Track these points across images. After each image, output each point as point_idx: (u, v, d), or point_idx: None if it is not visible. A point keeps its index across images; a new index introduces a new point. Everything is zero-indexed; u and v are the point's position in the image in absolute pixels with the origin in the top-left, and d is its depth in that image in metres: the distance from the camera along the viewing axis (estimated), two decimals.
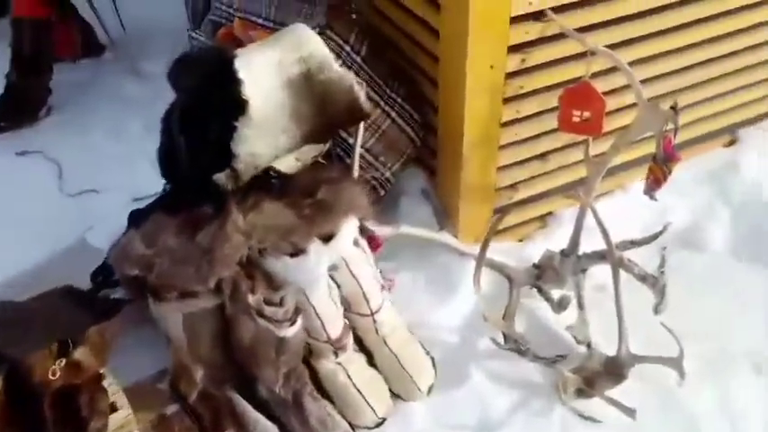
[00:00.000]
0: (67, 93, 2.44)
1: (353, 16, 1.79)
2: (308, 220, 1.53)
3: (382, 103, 1.82)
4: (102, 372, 1.48)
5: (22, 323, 1.42)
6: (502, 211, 1.77)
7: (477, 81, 1.63)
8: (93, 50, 2.61)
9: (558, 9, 1.63)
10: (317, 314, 1.56)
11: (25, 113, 2.31)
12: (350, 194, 1.60)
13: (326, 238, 1.55)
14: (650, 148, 1.60)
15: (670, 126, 1.51)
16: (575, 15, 1.65)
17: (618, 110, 1.80)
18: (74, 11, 2.52)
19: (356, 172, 1.74)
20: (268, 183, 1.57)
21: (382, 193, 1.87)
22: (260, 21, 1.79)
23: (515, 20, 1.60)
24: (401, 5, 1.78)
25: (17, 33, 2.29)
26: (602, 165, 1.66)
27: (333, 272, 1.59)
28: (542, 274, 1.74)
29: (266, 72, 1.54)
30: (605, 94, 1.65)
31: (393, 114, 1.84)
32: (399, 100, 1.85)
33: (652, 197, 1.62)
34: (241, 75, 1.50)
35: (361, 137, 1.73)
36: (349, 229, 1.59)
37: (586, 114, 1.62)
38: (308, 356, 1.62)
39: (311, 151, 1.63)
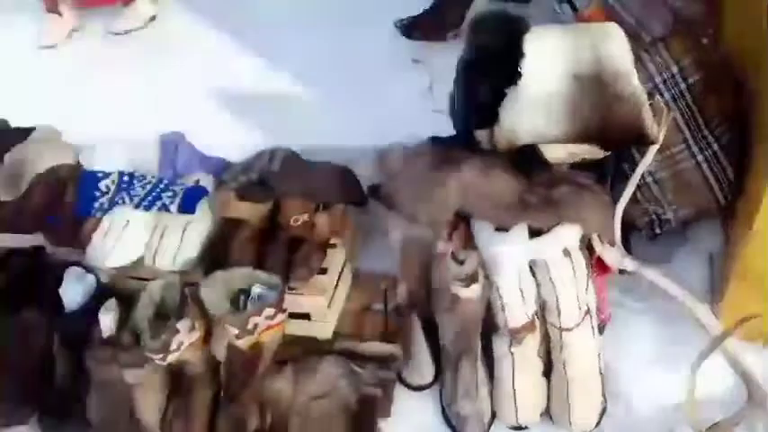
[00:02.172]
0: None
1: (704, 41, 1.52)
2: (528, 206, 1.49)
3: (691, 141, 1.55)
4: (333, 242, 1.77)
5: (302, 175, 1.79)
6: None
7: None
8: None
9: None
10: (499, 295, 1.54)
11: (438, 30, 2.55)
12: (587, 206, 1.48)
13: (536, 232, 1.50)
14: None
15: None
16: None
17: None
18: None
19: (628, 194, 1.55)
20: (524, 155, 1.55)
21: (657, 231, 1.62)
22: (622, 12, 1.68)
23: None
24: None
25: None
26: None
27: (534, 267, 1.53)
28: None
29: (555, 56, 1.49)
30: None
31: (699, 158, 1.55)
32: (715, 146, 1.54)
33: None
34: (527, 48, 1.49)
35: (648, 161, 1.53)
36: (564, 235, 1.48)
37: None
38: (493, 330, 1.62)
39: (585, 152, 1.54)
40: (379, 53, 2.63)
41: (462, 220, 1.55)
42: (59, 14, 2.80)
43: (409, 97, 2.40)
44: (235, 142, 2.18)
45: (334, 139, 2.13)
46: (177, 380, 1.61)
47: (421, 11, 2.60)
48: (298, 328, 1.70)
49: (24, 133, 1.93)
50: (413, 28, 2.59)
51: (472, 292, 1.53)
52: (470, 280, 1.52)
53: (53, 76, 2.69)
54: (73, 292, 1.62)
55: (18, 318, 1.66)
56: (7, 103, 2.12)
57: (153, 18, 2.90)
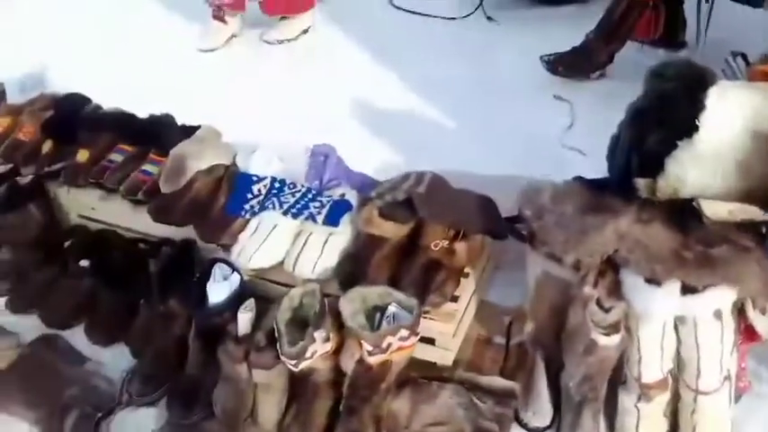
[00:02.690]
0: (620, 68, 2.52)
1: None
2: (684, 262, 1.43)
3: None
4: (467, 270, 1.76)
5: (447, 201, 1.79)
6: None
7: None
8: (672, 44, 2.55)
9: None
10: (638, 347, 1.49)
11: (582, 68, 2.51)
12: (747, 269, 1.40)
13: (689, 290, 1.43)
14: None
15: None
16: None
17: None
18: None
19: None
20: (683, 209, 1.50)
21: None
22: None
23: None
24: None
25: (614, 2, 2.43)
26: None
27: (679, 324, 1.47)
28: None
29: (738, 112, 1.43)
30: None
31: None
32: None
33: None
34: (709, 101, 1.44)
35: None
36: (718, 296, 1.41)
37: None
38: (620, 381, 1.57)
39: (746, 213, 1.46)
40: (523, 85, 2.61)
41: (611, 267, 1.50)
42: (224, 22, 2.94)
43: (548, 133, 2.37)
44: (377, 159, 2.22)
45: (472, 167, 2.13)
46: (301, 385, 1.64)
47: (569, 48, 2.56)
48: (419, 351, 1.70)
49: (189, 131, 2.02)
50: (558, 64, 2.57)
51: (612, 341, 1.48)
52: (613, 329, 1.48)
53: (209, 78, 2.82)
54: (219, 287, 1.68)
55: (165, 305, 1.73)
56: (168, 100, 2.23)
57: (306, 31, 3.00)
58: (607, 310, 1.49)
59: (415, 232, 1.76)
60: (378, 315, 1.59)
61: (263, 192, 1.88)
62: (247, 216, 1.85)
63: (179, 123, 2.12)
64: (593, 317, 1.50)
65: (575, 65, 2.57)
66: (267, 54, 3.03)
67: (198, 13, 3.07)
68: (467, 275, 1.75)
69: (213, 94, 2.66)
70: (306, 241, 1.80)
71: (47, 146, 2.12)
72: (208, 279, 1.71)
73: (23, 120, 2.19)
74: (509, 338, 1.75)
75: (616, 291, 1.50)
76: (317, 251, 1.78)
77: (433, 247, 1.73)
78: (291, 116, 2.51)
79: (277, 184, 1.89)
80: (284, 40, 3.03)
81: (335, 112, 2.53)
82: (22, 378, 1.77)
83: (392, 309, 1.57)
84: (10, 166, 2.11)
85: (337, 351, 1.62)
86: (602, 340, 1.48)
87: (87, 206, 2.08)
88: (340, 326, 1.62)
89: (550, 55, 2.59)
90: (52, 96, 2.27)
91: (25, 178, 2.07)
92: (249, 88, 2.74)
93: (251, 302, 1.68)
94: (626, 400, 1.52)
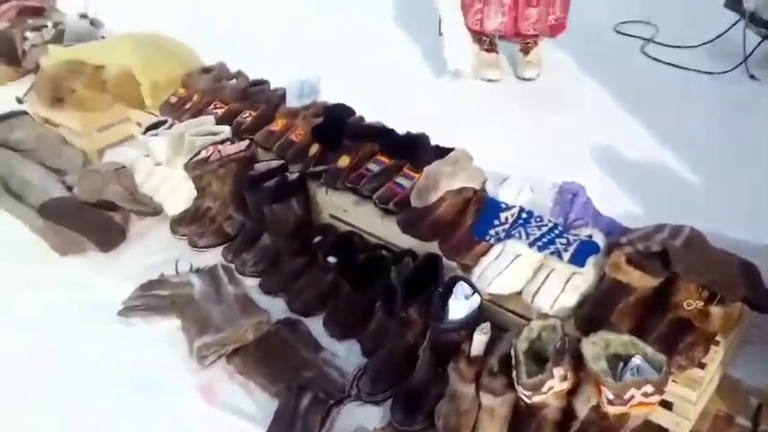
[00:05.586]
0: None
1: None
2: None
3: None
4: (718, 338, 1.60)
5: (705, 259, 1.64)
6: None
7: None
8: None
9: None
10: None
11: None
12: None
13: None
14: None
15: None
16: None
17: None
18: None
19: None
20: None
21: None
22: None
23: None
24: None
25: None
26: None
27: None
28: None
29: None
30: None
31: None
32: None
33: None
34: None
35: None
36: None
37: None
38: None
39: None
40: None
41: None
42: (496, 53, 2.96)
43: None
44: (621, 207, 2.11)
45: (723, 229, 1.95)
46: (527, 418, 1.57)
47: None
48: (653, 414, 1.56)
49: (442, 151, 2.05)
50: None
51: None
52: None
53: (467, 108, 2.85)
54: (459, 305, 1.67)
55: (405, 313, 1.75)
56: (425, 124, 2.27)
57: (535, 77, 2.93)
58: None
59: (665, 287, 1.63)
60: (620, 364, 1.49)
61: (510, 220, 1.85)
62: (492, 241, 1.83)
63: (433, 144, 2.15)
64: None
65: None
66: (516, 89, 3.02)
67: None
68: (717, 343, 1.59)
69: (469, 124, 2.68)
70: (547, 276, 1.74)
71: (314, 148, 2.25)
72: (449, 295, 1.70)
73: (297, 123, 2.35)
74: (757, 424, 1.56)
75: None
76: (558, 288, 1.71)
77: (685, 306, 1.59)
78: (538, 152, 2.47)
79: (524, 215, 1.85)
80: (530, 79, 3.01)
81: (581, 154, 2.45)
82: (267, 352, 1.87)
83: (636, 361, 1.46)
84: (281, 161, 2.27)
85: (571, 392, 1.53)
86: None
87: (340, 208, 2.18)
88: (576, 367, 1.53)
89: None
90: (323, 104, 2.41)
91: (292, 174, 2.21)
92: (495, 120, 2.74)
93: (487, 326, 1.64)
94: None
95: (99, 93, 2.63)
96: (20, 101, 2.84)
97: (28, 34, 2.99)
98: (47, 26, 3.02)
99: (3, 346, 1.96)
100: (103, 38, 2.97)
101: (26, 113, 2.77)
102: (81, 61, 2.70)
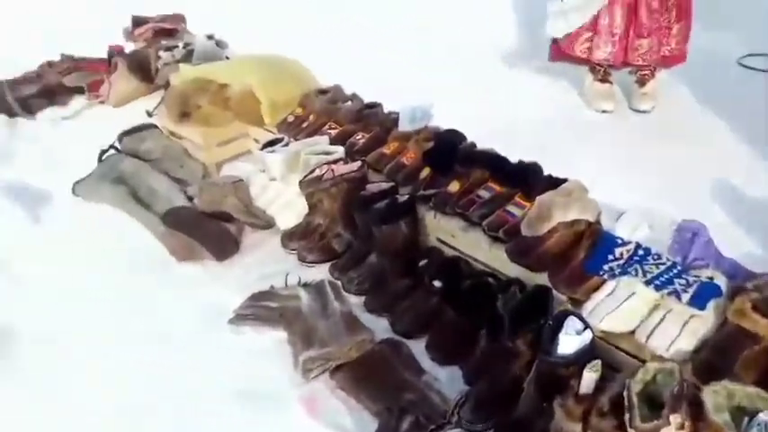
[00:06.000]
0: None
1: None
2: None
3: None
4: None
5: None
6: None
7: None
8: None
9: None
10: None
11: None
12: None
13: None
14: None
15: None
16: None
17: None
18: None
19: None
20: None
21: None
22: None
23: None
24: None
25: None
26: None
27: None
28: None
29: None
30: None
31: None
32: None
33: None
34: None
35: None
36: None
37: None
38: None
39: None
40: None
41: None
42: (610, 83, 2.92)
43: None
44: (739, 248, 2.00)
45: None
46: None
47: None
48: None
49: (555, 182, 2.03)
50: None
51: None
52: None
53: (570, 131, 2.79)
54: (569, 340, 1.62)
55: (512, 343, 1.72)
56: (534, 151, 2.24)
57: (650, 110, 2.87)
58: None
59: None
60: (744, 419, 1.40)
61: (626, 256, 1.79)
62: (605, 276, 1.78)
63: (545, 173, 2.12)
64: None
65: None
66: (630, 121, 2.93)
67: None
68: None
69: (582, 155, 2.61)
70: (664, 317, 1.67)
71: (424, 172, 2.26)
72: (559, 329, 1.66)
73: (409, 146, 2.37)
74: None
75: None
76: (675, 330, 1.64)
77: None
78: (654, 187, 2.38)
79: (641, 251, 1.79)
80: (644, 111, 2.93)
81: (701, 190, 2.35)
82: (369, 371, 1.88)
83: (764, 417, 1.37)
84: (392, 183, 2.29)
85: None
86: None
87: (448, 232, 2.18)
88: (693, 415, 1.45)
89: None
90: (435, 129, 2.42)
91: (402, 197, 2.23)
92: (609, 153, 2.67)
93: (598, 363, 1.59)
94: None
95: (222, 109, 2.75)
96: (150, 114, 3.02)
97: (161, 54, 3.18)
98: (178, 46, 3.19)
99: (114, 344, 2.05)
100: (227, 58, 3.11)
101: (155, 126, 2.94)
102: (207, 79, 2.84)
